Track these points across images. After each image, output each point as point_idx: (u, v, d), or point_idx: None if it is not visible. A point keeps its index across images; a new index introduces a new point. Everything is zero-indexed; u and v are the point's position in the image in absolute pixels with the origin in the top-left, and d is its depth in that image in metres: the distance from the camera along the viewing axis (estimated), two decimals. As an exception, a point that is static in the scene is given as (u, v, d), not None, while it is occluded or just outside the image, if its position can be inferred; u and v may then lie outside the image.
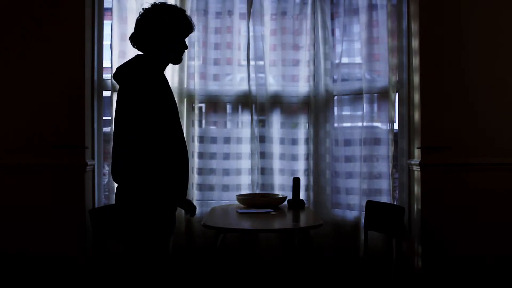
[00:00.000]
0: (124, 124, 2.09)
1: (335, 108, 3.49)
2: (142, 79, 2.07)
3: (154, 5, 2.18)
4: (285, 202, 3.22)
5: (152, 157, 2.04)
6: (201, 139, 3.44)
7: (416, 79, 3.16)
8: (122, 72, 2.15)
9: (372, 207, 3.16)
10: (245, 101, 3.46)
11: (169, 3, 2.26)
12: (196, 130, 3.42)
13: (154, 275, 2.10)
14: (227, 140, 3.48)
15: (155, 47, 2.16)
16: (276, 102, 3.49)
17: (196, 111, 3.41)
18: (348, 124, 3.46)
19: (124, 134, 2.08)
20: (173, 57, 2.20)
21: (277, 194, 3.32)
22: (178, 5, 3.34)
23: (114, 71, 3.20)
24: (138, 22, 2.17)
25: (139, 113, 2.04)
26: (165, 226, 2.14)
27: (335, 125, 3.48)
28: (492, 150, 3.06)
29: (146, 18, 2.15)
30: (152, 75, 2.09)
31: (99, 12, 3.29)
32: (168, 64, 2.23)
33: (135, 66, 2.13)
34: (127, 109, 2.08)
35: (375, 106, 3.40)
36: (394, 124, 3.30)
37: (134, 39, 2.19)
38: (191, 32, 2.25)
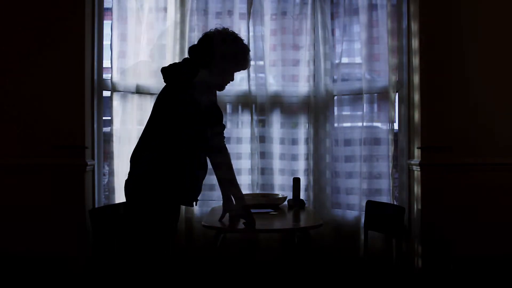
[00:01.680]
0: (153, 126, 2.16)
1: (335, 108, 3.48)
2: (188, 83, 2.15)
3: (224, 29, 2.29)
4: (285, 202, 3.21)
5: (173, 164, 2.10)
6: (201, 139, 3.43)
7: (416, 79, 3.16)
8: (172, 71, 2.24)
9: (372, 207, 3.16)
10: (245, 101, 3.46)
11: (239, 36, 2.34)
12: (196, 130, 3.42)
13: (157, 275, 2.11)
14: (227, 140, 3.44)
15: (197, 62, 2.25)
16: (276, 102, 3.49)
17: (196, 111, 3.40)
18: (348, 124, 3.46)
19: (151, 137, 2.15)
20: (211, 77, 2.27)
21: (277, 194, 3.32)
22: (178, 5, 3.35)
23: (114, 70, 3.24)
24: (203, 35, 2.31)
25: (171, 116, 2.11)
26: (173, 227, 2.23)
27: (335, 125, 3.48)
28: (492, 150, 3.06)
29: (210, 34, 2.27)
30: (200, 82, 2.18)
31: (99, 12, 3.28)
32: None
33: (186, 68, 2.22)
34: (162, 111, 2.15)
35: (375, 106, 3.40)
36: (394, 124, 3.30)
37: (192, 48, 2.30)
38: (242, 69, 2.35)
